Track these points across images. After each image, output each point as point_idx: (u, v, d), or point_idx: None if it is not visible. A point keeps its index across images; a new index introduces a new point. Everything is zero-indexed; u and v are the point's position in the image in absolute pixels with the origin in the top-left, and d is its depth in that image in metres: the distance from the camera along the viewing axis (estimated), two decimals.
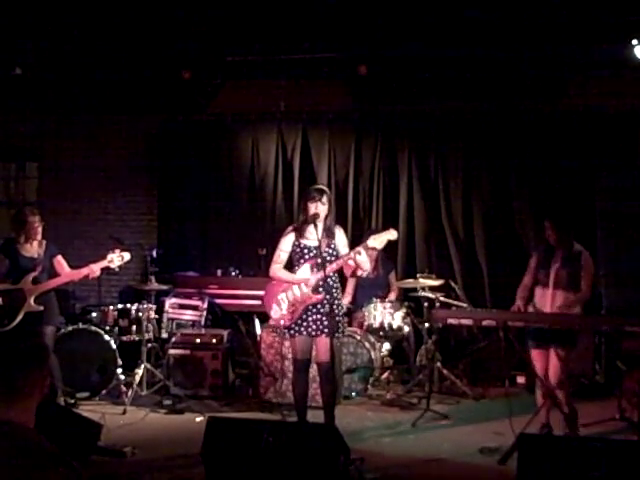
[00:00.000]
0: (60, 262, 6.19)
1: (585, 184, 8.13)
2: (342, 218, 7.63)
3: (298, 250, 5.33)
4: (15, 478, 1.95)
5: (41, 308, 5.98)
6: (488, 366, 7.37)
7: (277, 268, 5.39)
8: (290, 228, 5.48)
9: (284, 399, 6.46)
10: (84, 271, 6.06)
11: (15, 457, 1.98)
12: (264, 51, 7.52)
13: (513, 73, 7.60)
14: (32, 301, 5.95)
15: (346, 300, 7.30)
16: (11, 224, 6.17)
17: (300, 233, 5.34)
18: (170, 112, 8.82)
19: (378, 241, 5.21)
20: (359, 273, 5.40)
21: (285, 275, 5.36)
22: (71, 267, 6.23)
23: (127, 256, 6.16)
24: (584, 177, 8.14)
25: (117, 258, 6.09)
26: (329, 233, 5.29)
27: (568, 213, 6.69)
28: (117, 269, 6.25)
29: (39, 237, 6.12)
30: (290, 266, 5.43)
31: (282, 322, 5.34)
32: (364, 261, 5.20)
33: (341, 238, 5.37)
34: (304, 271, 5.27)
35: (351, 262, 5.18)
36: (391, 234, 5.26)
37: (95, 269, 6.05)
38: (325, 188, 5.46)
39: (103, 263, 6.09)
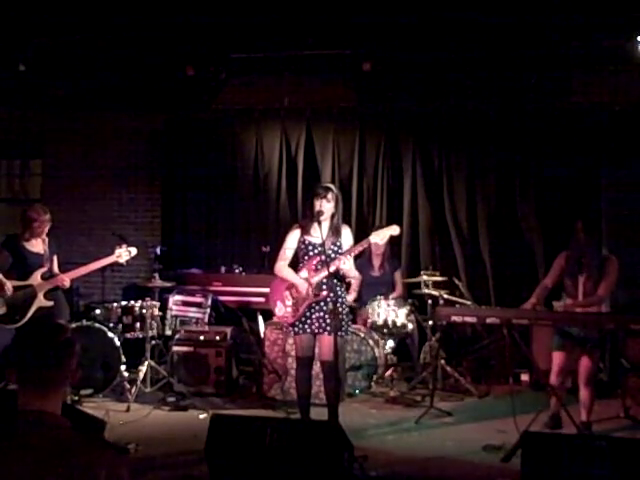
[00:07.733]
0: (53, 260, 6.22)
1: (590, 181, 8.11)
2: (346, 215, 7.58)
3: (303, 247, 5.35)
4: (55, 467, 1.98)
5: (51, 303, 6.03)
6: (492, 364, 7.36)
7: (282, 265, 5.40)
8: (296, 225, 5.51)
9: (288, 396, 6.47)
10: (94, 265, 6.15)
11: (54, 445, 2.02)
12: (268, 47, 7.50)
13: (517, 70, 7.57)
14: (42, 296, 5.99)
15: (351, 297, 7.31)
16: (20, 220, 6.16)
17: (305, 230, 5.36)
18: (174, 109, 8.81)
19: (380, 236, 5.25)
20: (347, 280, 5.41)
21: (288, 274, 5.37)
22: (74, 264, 6.28)
23: (134, 251, 6.24)
24: (589, 174, 8.11)
25: (125, 253, 6.17)
26: (335, 232, 5.30)
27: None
28: (125, 264, 6.31)
29: (44, 235, 6.13)
30: (295, 263, 5.45)
31: (286, 319, 5.37)
32: (348, 269, 5.21)
33: (347, 238, 5.37)
34: (306, 274, 5.29)
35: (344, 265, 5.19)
36: (393, 229, 5.29)
37: (101, 264, 6.17)
38: (332, 186, 5.45)
39: (111, 258, 6.14)
